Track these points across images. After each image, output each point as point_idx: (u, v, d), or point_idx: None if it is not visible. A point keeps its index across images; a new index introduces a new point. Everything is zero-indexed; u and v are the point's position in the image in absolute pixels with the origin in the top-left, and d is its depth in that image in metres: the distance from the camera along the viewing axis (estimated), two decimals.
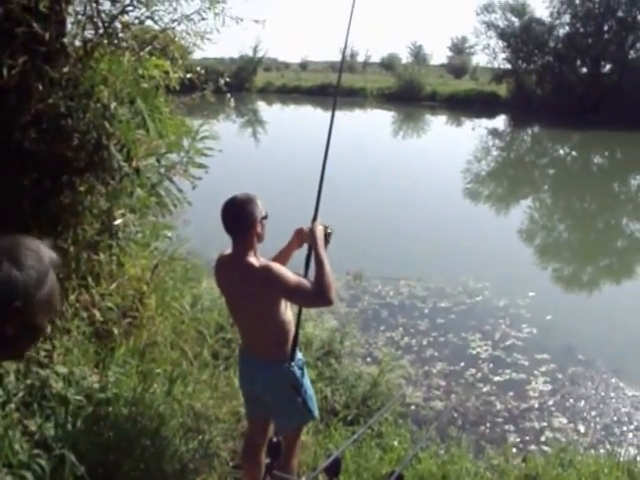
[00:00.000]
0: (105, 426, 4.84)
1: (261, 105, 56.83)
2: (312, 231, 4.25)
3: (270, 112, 52.37)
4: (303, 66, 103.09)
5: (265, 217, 4.10)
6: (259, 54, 68.84)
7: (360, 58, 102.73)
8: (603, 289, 13.14)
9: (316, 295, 3.97)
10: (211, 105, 7.31)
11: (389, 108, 55.13)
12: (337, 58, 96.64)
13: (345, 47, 5.94)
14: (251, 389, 4.38)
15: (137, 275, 6.50)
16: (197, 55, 6.96)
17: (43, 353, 5.05)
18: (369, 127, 42.58)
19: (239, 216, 4.02)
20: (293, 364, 4.18)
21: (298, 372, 4.21)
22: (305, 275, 4.25)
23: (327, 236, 4.29)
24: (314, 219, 4.32)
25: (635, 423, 7.35)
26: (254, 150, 30.59)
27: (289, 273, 3.99)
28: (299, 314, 4.34)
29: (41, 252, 1.91)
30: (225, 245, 4.19)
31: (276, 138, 34.24)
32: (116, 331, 5.87)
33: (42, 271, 1.88)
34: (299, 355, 4.30)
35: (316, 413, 4.48)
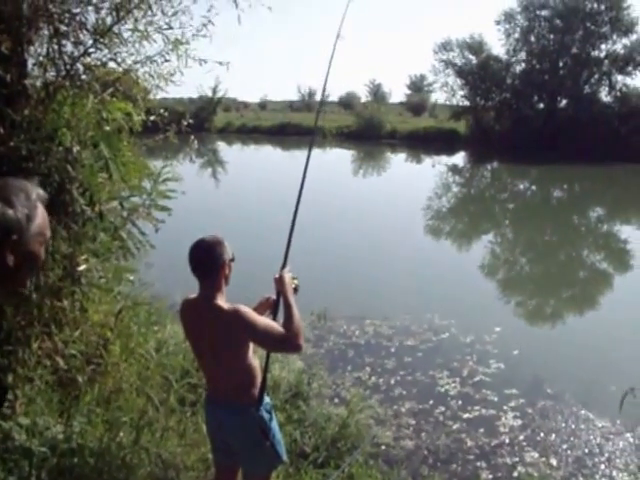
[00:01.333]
0: (70, 478, 4.72)
1: (221, 145, 56.79)
2: (281, 278, 4.26)
3: (230, 152, 52.36)
4: (262, 106, 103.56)
5: (232, 259, 4.08)
6: (218, 94, 68.98)
7: (319, 97, 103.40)
8: (567, 321, 13.20)
9: (285, 341, 3.95)
10: (171, 146, 7.27)
11: (349, 147, 55.41)
12: (295, 97, 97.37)
13: (324, 91, 5.93)
14: (219, 435, 4.30)
15: (101, 321, 6.40)
16: (157, 96, 6.91)
17: (5, 404, 4.92)
18: (329, 166, 42.73)
19: (207, 258, 3.97)
20: (261, 408, 4.12)
21: (266, 416, 4.14)
22: (274, 320, 4.21)
23: (294, 289, 4.29)
24: (283, 266, 4.34)
25: (606, 454, 7.34)
26: (214, 190, 30.50)
27: (258, 317, 3.97)
28: (267, 357, 4.31)
29: (29, 190, 2.12)
30: (189, 288, 4.13)
31: (236, 178, 34.22)
32: (80, 379, 5.76)
33: (31, 206, 2.09)
34: (267, 399, 4.23)
35: (285, 457, 4.40)
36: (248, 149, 56.97)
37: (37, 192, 2.15)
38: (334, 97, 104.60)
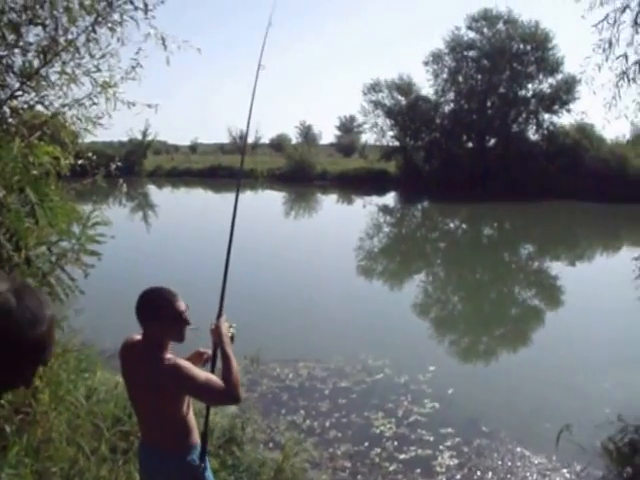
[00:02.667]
0: None
1: (151, 188, 56.42)
2: (217, 328, 4.20)
3: (161, 195, 52.04)
4: (193, 149, 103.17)
5: (183, 311, 3.99)
6: (148, 137, 68.63)
7: (250, 139, 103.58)
8: (501, 358, 13.32)
9: (225, 394, 3.90)
10: (100, 189, 7.17)
11: (280, 188, 55.53)
12: (226, 140, 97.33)
13: (247, 134, 5.95)
14: None
15: None
16: (86, 139, 6.83)
17: None
18: (261, 208, 42.74)
19: (150, 309, 3.90)
20: (194, 458, 4.06)
21: (200, 465, 4.07)
22: (211, 372, 4.15)
23: (231, 338, 4.23)
24: (219, 315, 4.29)
25: None
26: (145, 235, 30.19)
27: (197, 371, 3.90)
28: (207, 411, 4.31)
29: (43, 301, 1.97)
30: (119, 333, 4.05)
31: (167, 222, 33.96)
32: (8, 429, 5.59)
33: (38, 316, 1.91)
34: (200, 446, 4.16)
35: None
36: (179, 192, 56.70)
37: (50, 312, 2.00)
38: (265, 139, 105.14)
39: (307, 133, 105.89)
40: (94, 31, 6.02)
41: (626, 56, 7.98)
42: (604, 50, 8.03)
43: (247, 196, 51.25)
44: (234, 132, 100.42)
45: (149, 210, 40.98)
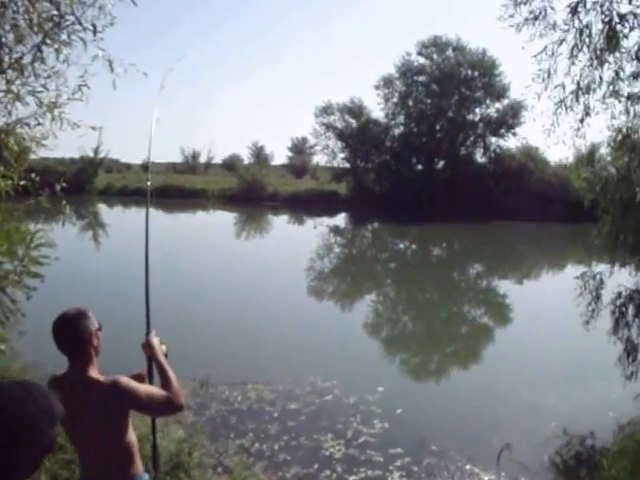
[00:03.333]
0: None
1: (102, 207, 55.86)
2: (149, 343, 4.19)
3: (111, 215, 51.55)
4: (145, 167, 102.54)
5: (99, 329, 3.92)
6: (100, 155, 68.03)
7: (202, 159, 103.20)
8: (450, 376, 13.41)
9: (169, 403, 3.88)
10: (48, 210, 7.06)
11: (231, 209, 55.38)
12: (178, 159, 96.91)
13: (149, 155, 5.89)
14: None
15: None
16: (31, 157, 6.72)
17: None
18: (212, 229, 42.59)
19: (73, 333, 3.79)
20: None
21: None
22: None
23: (165, 355, 4.23)
24: (147, 332, 4.27)
25: None
26: (95, 254, 29.86)
27: (137, 384, 3.85)
28: (153, 426, 4.37)
29: (53, 402, 2.22)
30: (62, 358, 3.95)
31: (117, 242, 33.58)
32: None
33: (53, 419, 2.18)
34: (145, 475, 4.07)
35: None
36: (130, 211, 56.27)
37: (59, 408, 2.29)
38: (218, 159, 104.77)
39: (259, 154, 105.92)
40: (40, 50, 5.95)
41: (563, 85, 8.23)
42: (543, 80, 8.26)
43: (198, 216, 51.10)
44: (187, 151, 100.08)
45: (99, 229, 40.57)
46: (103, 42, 6.45)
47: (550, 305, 19.15)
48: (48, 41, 6.02)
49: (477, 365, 14.01)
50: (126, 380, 3.81)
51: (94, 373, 3.82)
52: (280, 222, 49.76)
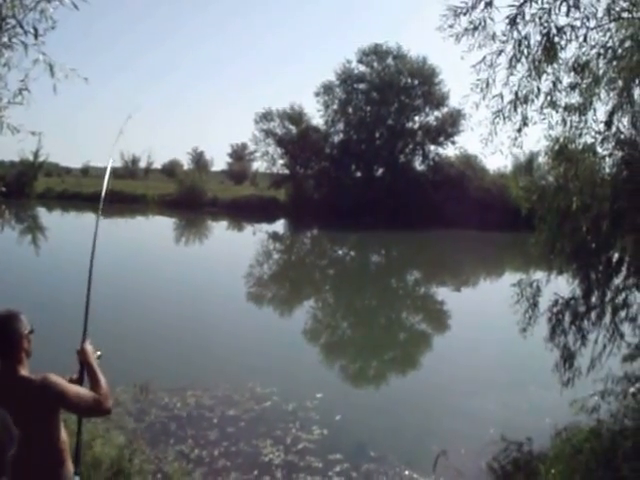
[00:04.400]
0: None
1: (41, 211, 54.95)
2: (84, 350, 4.22)
3: (50, 218, 50.77)
4: (84, 172, 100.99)
5: (31, 331, 3.93)
6: (40, 159, 67.06)
7: (142, 164, 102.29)
8: (389, 382, 13.50)
9: (97, 403, 3.93)
10: None
11: (171, 214, 54.99)
12: (119, 164, 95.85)
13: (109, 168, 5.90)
14: None
15: None
16: None
17: None
18: (151, 234, 42.30)
19: (3, 335, 3.80)
20: None
21: None
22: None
23: (98, 358, 4.29)
24: (83, 339, 4.30)
25: None
26: (34, 258, 29.40)
27: (68, 383, 3.90)
28: (79, 424, 4.31)
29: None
30: None
31: (57, 245, 33.12)
32: None
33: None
34: (76, 478, 4.06)
35: None
36: (69, 216, 55.45)
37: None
38: (158, 164, 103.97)
39: (199, 159, 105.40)
40: None
41: (502, 96, 8.31)
42: (482, 89, 8.32)
43: (137, 221, 50.67)
44: (126, 156, 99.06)
45: (39, 233, 39.96)
46: (44, 46, 6.38)
47: (488, 312, 19.43)
48: None
49: (416, 371, 14.14)
50: (55, 377, 3.83)
51: (24, 372, 3.83)
52: (219, 228, 49.61)
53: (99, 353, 4.29)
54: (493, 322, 17.57)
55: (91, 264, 4.68)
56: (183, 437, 9.46)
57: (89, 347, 4.24)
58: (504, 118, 8.45)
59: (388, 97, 54.68)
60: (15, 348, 3.82)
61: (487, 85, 8.32)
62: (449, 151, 57.90)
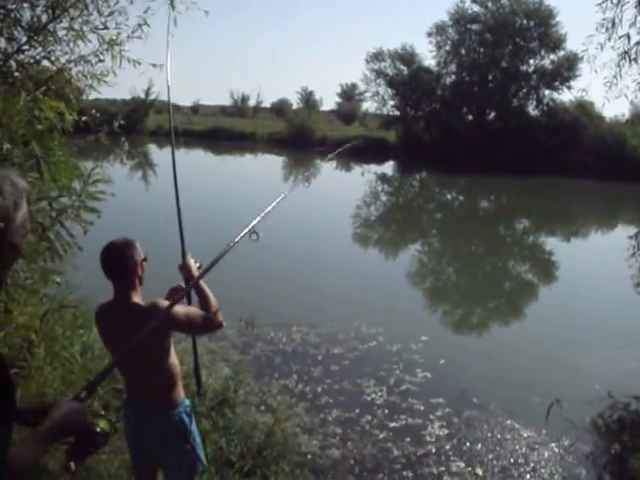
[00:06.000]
0: None
1: (152, 147, 56.14)
2: (185, 265, 4.30)
3: (161, 155, 51.78)
4: (194, 109, 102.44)
5: (145, 259, 4.06)
6: (151, 97, 68.25)
7: (251, 102, 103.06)
8: (492, 331, 13.37)
9: (208, 321, 4.05)
10: (102, 147, 7.13)
11: (280, 153, 55.34)
12: (228, 102, 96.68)
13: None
14: (138, 439, 4.24)
15: (25, 323, 6.23)
16: (90, 96, 6.79)
17: None
18: (260, 171, 42.69)
19: (119, 261, 3.95)
20: (181, 410, 4.13)
21: (186, 419, 4.14)
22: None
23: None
24: (183, 255, 4.36)
25: (532, 464, 7.41)
26: (144, 193, 30.11)
27: (177, 305, 3.93)
28: (194, 343, 4.50)
29: (14, 179, 2.15)
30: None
31: (167, 181, 33.66)
32: None
33: (18, 196, 2.11)
34: (186, 401, 4.23)
35: (205, 461, 4.38)
36: (179, 152, 56.38)
37: (21, 183, 2.16)
38: (267, 103, 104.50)
39: (308, 99, 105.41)
40: None
41: (628, 36, 7.97)
42: (607, 29, 7.99)
43: (247, 159, 51.16)
44: (236, 95, 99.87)
45: (149, 169, 40.83)
46: None
47: (599, 265, 18.96)
48: None
49: (520, 322, 13.94)
50: (163, 301, 3.97)
51: (137, 299, 3.99)
52: (328, 168, 49.63)
53: (198, 265, 4.34)
54: (604, 275, 17.15)
55: (175, 178, 4.84)
56: (287, 372, 9.66)
57: (191, 261, 4.32)
58: (630, 60, 8.11)
59: (502, 38, 53.05)
60: (129, 275, 3.97)
61: (613, 25, 7.99)
62: (564, 96, 56.23)
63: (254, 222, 4.25)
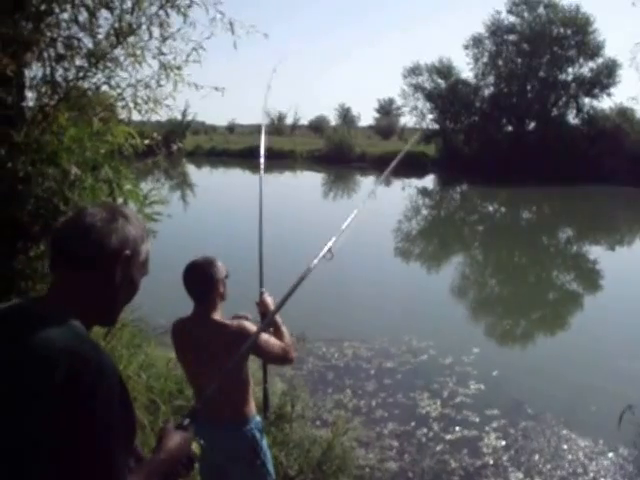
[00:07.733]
0: None
1: (190, 168, 56.61)
2: (263, 302, 4.50)
3: (199, 175, 52.22)
4: (230, 129, 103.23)
5: (227, 276, 4.21)
6: (188, 118, 68.85)
7: (288, 121, 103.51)
8: (539, 341, 13.32)
9: (283, 353, 4.23)
10: (145, 168, 7.28)
11: (319, 170, 55.52)
12: (265, 121, 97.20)
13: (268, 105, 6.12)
14: (208, 455, 4.29)
15: None
16: (151, 119, 6.93)
17: None
18: (300, 189, 42.85)
19: (201, 279, 4.10)
20: (253, 427, 4.22)
21: (257, 435, 4.24)
22: None
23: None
24: (261, 287, 4.59)
25: (591, 474, 7.38)
26: (183, 214, 30.32)
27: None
28: (264, 369, 4.68)
29: (138, 216, 2.21)
30: (171, 310, 4.23)
31: (206, 202, 34.05)
32: None
33: (144, 230, 2.17)
34: (257, 417, 4.32)
35: (274, 476, 4.47)
36: (217, 172, 56.84)
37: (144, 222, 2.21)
38: (304, 121, 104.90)
39: (346, 115, 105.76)
40: (166, 14, 6.10)
41: None
42: None
43: (287, 177, 51.38)
44: (272, 113, 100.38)
45: (187, 189, 41.17)
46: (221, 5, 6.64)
47: None
48: (168, 3, 6.15)
49: (567, 332, 13.85)
50: (250, 325, 4.09)
51: (217, 316, 4.13)
52: (368, 183, 49.63)
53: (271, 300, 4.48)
54: None
55: (260, 213, 4.97)
56: (341, 386, 9.71)
57: (268, 299, 4.48)
58: None
59: (539, 48, 52.97)
60: (210, 292, 4.11)
61: None
62: (603, 104, 55.89)
63: (330, 243, 4.41)
